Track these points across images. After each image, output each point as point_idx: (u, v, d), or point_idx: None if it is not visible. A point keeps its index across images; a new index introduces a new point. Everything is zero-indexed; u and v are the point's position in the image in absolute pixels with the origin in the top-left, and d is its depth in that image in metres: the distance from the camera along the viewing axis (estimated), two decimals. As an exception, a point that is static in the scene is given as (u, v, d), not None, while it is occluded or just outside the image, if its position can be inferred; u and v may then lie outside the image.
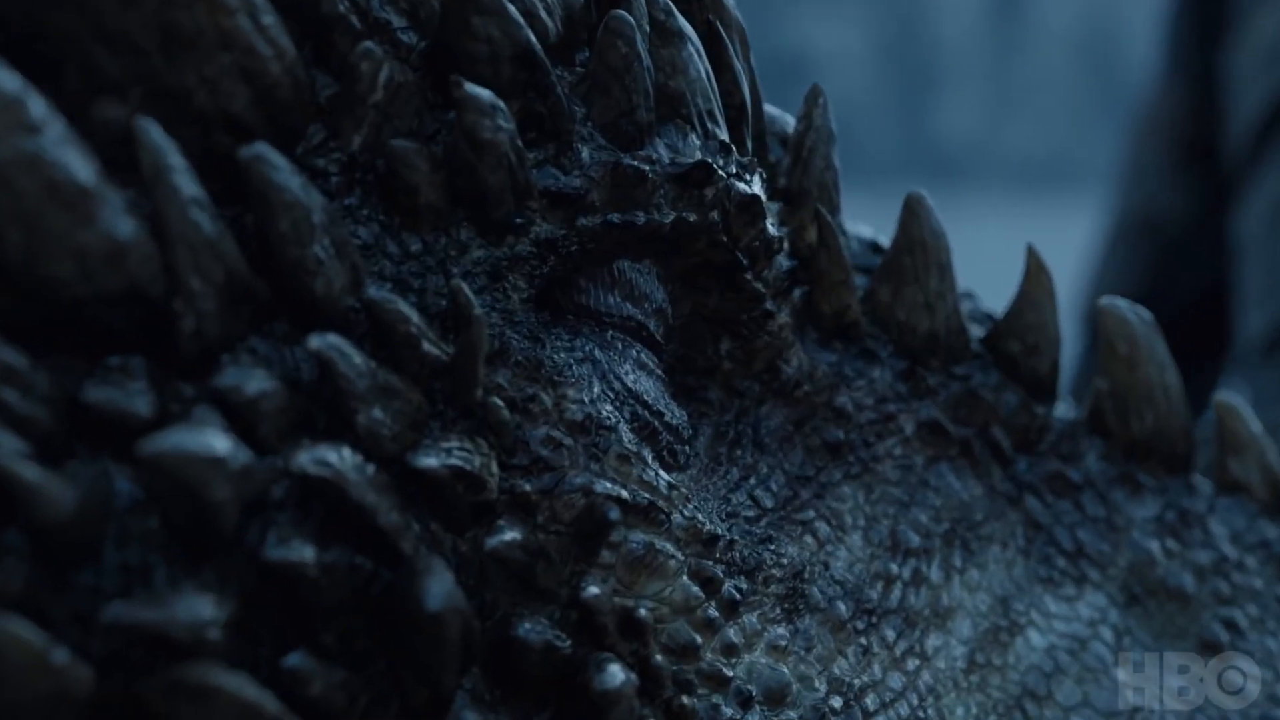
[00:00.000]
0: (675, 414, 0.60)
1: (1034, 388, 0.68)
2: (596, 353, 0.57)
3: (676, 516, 0.57)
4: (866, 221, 0.70)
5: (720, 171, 0.59)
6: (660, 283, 0.60)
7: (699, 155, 0.58)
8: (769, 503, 0.62)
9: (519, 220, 0.55)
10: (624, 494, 0.55)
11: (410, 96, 0.54)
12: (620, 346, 0.58)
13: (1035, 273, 0.67)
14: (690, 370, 0.63)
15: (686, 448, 0.60)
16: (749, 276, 0.61)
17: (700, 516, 0.58)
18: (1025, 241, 0.67)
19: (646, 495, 0.56)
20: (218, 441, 0.46)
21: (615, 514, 0.55)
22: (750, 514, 0.61)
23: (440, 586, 0.49)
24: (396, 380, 0.51)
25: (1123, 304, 0.68)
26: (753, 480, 0.62)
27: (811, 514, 0.62)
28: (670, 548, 0.56)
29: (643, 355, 0.59)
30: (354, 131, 0.53)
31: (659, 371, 0.60)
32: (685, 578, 0.57)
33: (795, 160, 0.65)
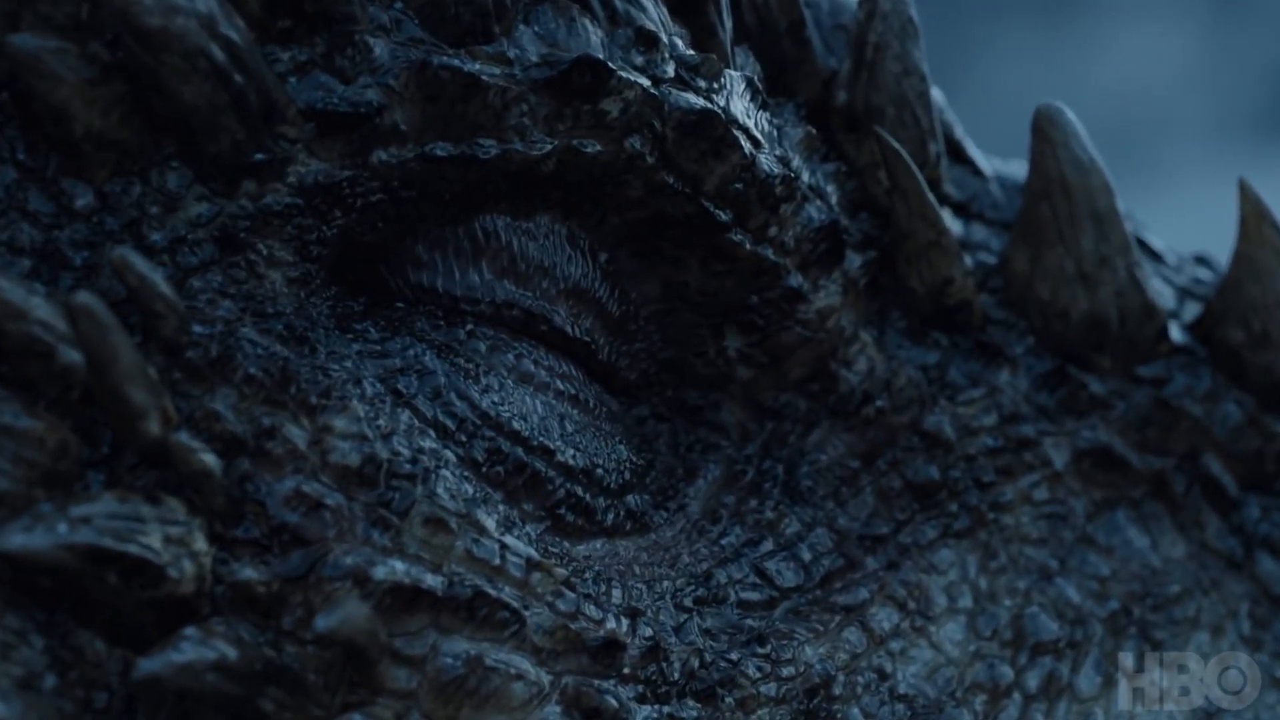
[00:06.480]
0: (589, 451, 0.48)
1: (1270, 395, 0.54)
2: (428, 359, 0.45)
3: (538, 612, 0.44)
4: None
5: (627, 75, 0.46)
6: (577, 249, 0.48)
7: (594, 51, 0.45)
8: (792, 579, 0.49)
9: (260, 156, 0.43)
10: (429, 580, 0.43)
11: None
12: (484, 350, 0.46)
13: (1254, 225, 0.54)
14: (689, 381, 0.51)
15: (628, 499, 0.48)
16: (738, 237, 0.49)
17: (591, 609, 0.45)
18: None
19: (476, 581, 0.43)
20: None
21: (349, 616, 0.38)
22: (753, 597, 0.49)
23: None
24: (14, 410, 0.41)
25: None
26: (767, 545, 0.50)
27: (866, 594, 0.50)
28: (520, 662, 0.44)
29: (529, 362, 0.47)
30: None
31: (564, 385, 0.48)
32: (550, 708, 0.44)
33: (857, 65, 0.53)
